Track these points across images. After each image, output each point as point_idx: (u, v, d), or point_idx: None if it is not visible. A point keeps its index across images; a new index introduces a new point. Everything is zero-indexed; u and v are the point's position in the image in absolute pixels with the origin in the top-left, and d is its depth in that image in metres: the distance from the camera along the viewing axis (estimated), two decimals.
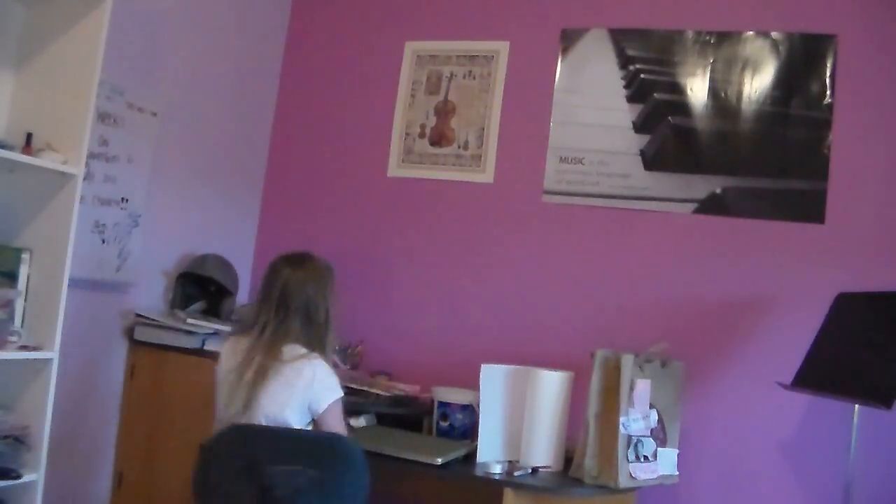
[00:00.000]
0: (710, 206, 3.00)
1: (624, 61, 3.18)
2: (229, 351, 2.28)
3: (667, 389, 2.52)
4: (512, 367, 2.60)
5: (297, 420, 2.14)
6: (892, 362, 2.22)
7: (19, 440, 2.22)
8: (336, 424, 2.20)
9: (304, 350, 2.20)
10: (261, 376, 2.13)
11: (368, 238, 3.47)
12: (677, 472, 2.52)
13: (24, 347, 2.22)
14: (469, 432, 2.70)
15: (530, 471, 2.46)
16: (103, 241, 2.84)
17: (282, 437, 2.09)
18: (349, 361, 3.13)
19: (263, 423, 2.11)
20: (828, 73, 2.90)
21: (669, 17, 3.13)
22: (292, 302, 2.22)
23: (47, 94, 2.37)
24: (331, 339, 2.27)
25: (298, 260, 2.30)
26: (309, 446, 2.08)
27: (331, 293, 2.29)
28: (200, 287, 3.22)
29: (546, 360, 2.67)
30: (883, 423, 2.46)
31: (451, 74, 3.44)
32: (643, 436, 2.43)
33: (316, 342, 2.24)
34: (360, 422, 2.70)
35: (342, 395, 2.22)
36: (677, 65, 3.10)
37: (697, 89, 3.07)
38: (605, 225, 3.13)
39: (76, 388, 2.78)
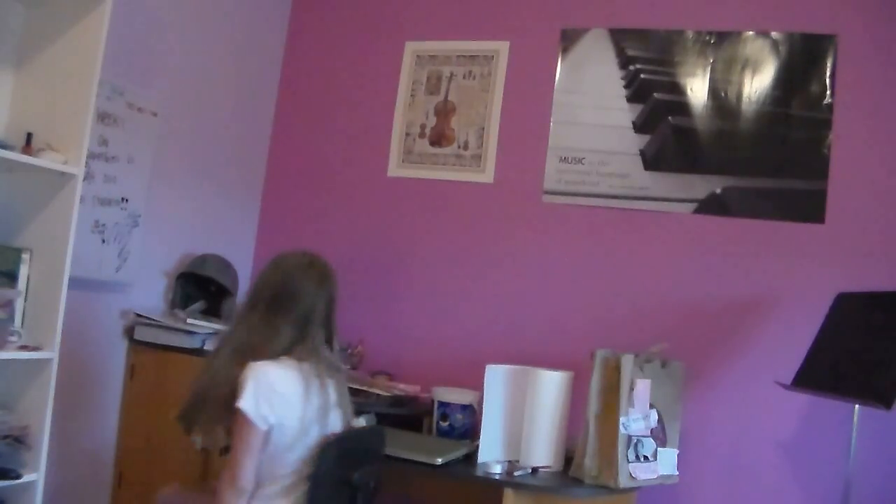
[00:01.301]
0: (710, 206, 3.00)
1: (624, 61, 3.18)
2: (290, 379, 2.00)
3: (667, 389, 2.52)
4: (512, 367, 2.60)
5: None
6: (892, 362, 2.22)
7: (19, 440, 2.22)
8: None
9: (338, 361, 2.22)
10: (336, 392, 2.14)
11: (368, 238, 3.47)
12: (677, 472, 2.52)
13: (24, 347, 2.22)
14: (469, 432, 2.70)
15: (530, 471, 2.46)
16: (103, 241, 2.84)
17: (363, 438, 2.29)
18: (349, 361, 3.13)
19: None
20: (828, 73, 2.90)
21: (669, 17, 3.13)
22: (311, 312, 2.11)
23: (47, 94, 2.37)
24: (336, 342, 2.22)
25: (309, 263, 2.15)
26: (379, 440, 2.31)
27: (336, 295, 2.19)
28: (200, 287, 3.22)
29: (546, 360, 2.68)
30: (883, 423, 2.47)
31: (451, 74, 3.44)
32: (643, 436, 2.43)
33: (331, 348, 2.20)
34: (360, 422, 2.69)
35: None
36: (677, 65, 3.10)
37: (697, 89, 3.07)
38: (605, 225, 3.13)
39: (76, 388, 2.78)
